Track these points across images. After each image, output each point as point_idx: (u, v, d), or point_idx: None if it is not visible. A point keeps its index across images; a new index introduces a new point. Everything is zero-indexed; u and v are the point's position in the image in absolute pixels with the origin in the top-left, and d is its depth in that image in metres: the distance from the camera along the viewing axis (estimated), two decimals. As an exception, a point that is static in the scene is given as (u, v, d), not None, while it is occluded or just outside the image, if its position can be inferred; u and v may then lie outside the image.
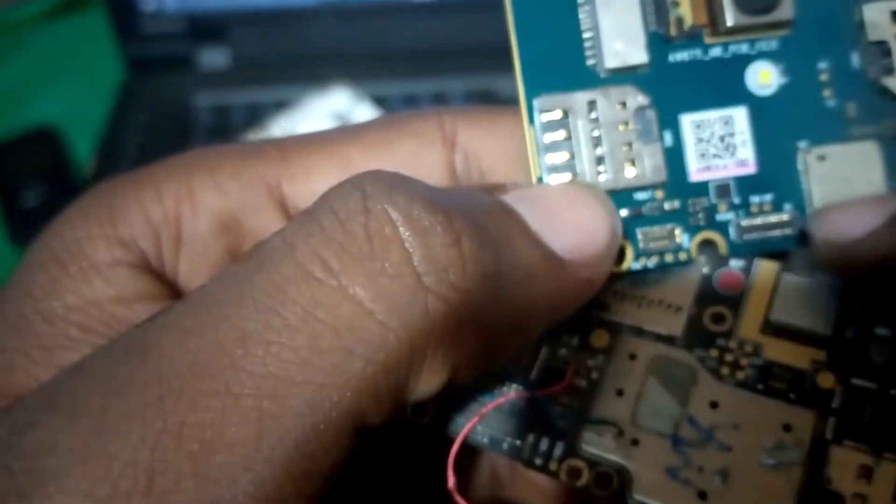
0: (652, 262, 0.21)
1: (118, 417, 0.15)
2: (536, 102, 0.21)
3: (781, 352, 0.20)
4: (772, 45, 0.21)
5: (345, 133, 0.22)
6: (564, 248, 0.19)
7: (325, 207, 0.17)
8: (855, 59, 0.21)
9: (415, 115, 0.22)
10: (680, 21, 0.21)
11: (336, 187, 0.17)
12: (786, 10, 0.21)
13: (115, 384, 0.15)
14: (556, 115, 0.21)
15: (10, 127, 0.71)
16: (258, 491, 0.15)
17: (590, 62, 0.21)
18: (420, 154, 0.22)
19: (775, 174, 0.21)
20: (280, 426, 0.15)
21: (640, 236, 0.21)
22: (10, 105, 0.73)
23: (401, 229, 0.16)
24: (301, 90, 0.66)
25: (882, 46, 0.21)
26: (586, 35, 0.21)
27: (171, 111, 0.68)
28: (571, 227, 0.19)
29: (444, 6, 0.70)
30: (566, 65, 0.21)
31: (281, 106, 0.65)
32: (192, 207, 0.20)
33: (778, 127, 0.21)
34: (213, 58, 0.71)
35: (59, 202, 0.74)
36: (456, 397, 0.21)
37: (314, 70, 0.67)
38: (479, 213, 0.18)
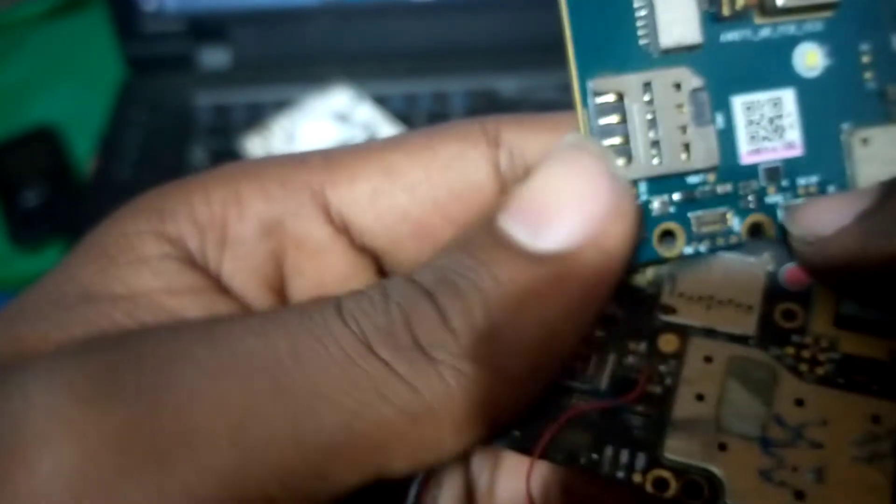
0: (704, 247, 0.21)
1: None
2: (591, 84, 0.21)
3: (858, 345, 0.20)
4: (817, 26, 0.21)
5: (388, 141, 0.22)
6: (564, 237, 0.19)
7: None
8: (894, 42, 0.21)
9: (457, 122, 0.23)
10: (732, 1, 0.21)
11: None
12: None
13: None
14: (611, 97, 0.21)
15: (10, 127, 0.71)
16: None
17: (643, 42, 0.21)
18: (464, 154, 0.22)
19: (821, 156, 0.21)
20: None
21: (692, 220, 0.21)
22: (10, 105, 0.73)
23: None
24: (301, 90, 0.66)
25: None
26: (640, 14, 0.21)
27: (171, 111, 0.68)
28: (564, 210, 0.19)
29: (444, 6, 0.70)
30: (619, 45, 0.21)
31: (281, 106, 0.65)
32: (238, 211, 0.21)
33: (823, 109, 0.21)
34: (214, 58, 0.71)
35: (59, 202, 0.73)
36: (525, 415, 0.20)
37: (314, 70, 0.67)
38: (456, 277, 0.18)
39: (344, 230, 0.22)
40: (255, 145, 0.63)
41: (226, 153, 0.64)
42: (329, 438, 0.16)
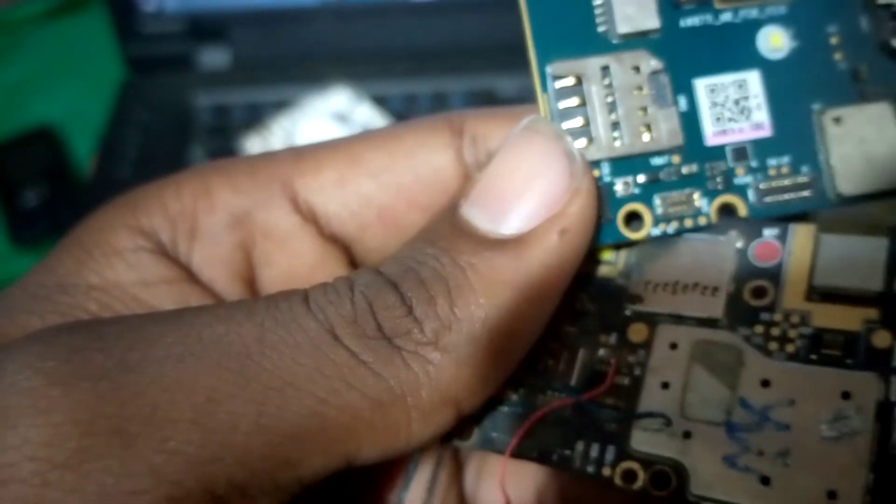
0: (671, 228, 0.21)
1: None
2: (549, 69, 0.21)
3: (830, 317, 0.19)
4: (780, 9, 0.21)
5: (354, 135, 0.23)
6: (523, 220, 0.19)
7: None
8: (863, 23, 0.21)
9: (422, 117, 0.23)
10: None
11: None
12: None
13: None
14: (570, 81, 0.21)
15: (10, 127, 0.71)
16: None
17: (601, 28, 0.21)
18: (427, 141, 0.22)
19: (791, 137, 0.21)
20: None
21: (657, 201, 0.21)
22: (10, 105, 0.73)
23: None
24: (301, 90, 0.66)
25: (890, 9, 0.21)
26: (597, 1, 0.21)
27: (171, 111, 0.68)
28: (521, 193, 0.19)
29: (444, 6, 0.70)
30: (577, 31, 0.21)
31: (281, 106, 0.65)
32: (208, 204, 0.21)
33: (792, 90, 0.21)
34: (213, 58, 0.71)
35: (59, 202, 0.73)
36: (498, 413, 0.20)
37: (314, 70, 0.67)
38: (419, 266, 0.18)
39: (312, 219, 0.22)
40: (255, 145, 0.63)
41: (225, 153, 0.64)
42: (295, 425, 0.16)
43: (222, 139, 0.65)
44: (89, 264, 0.20)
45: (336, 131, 0.63)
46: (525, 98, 0.67)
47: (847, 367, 0.18)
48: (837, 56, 0.21)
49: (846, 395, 0.18)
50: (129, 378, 0.16)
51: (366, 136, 0.23)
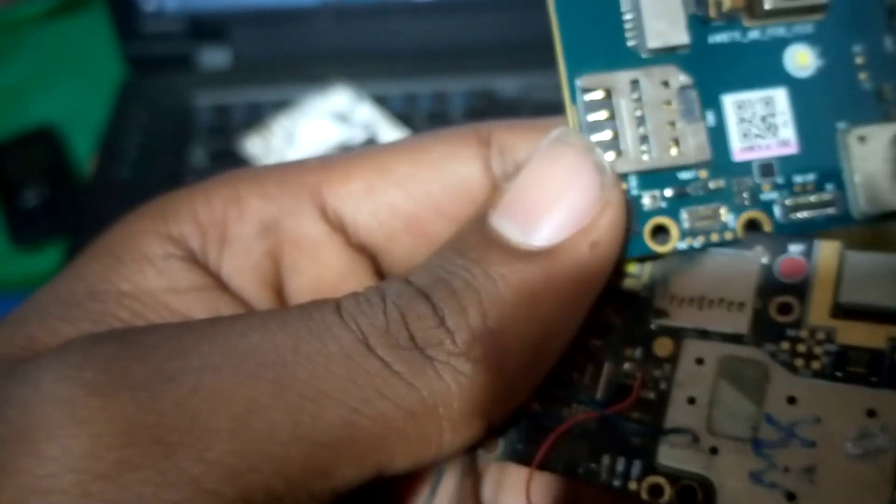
0: (698, 242, 0.21)
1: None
2: (579, 82, 0.21)
3: (856, 334, 0.19)
4: (807, 28, 0.22)
5: (382, 144, 0.24)
6: (553, 232, 0.19)
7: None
8: (888, 44, 0.22)
9: (449, 128, 0.23)
10: (719, 3, 0.21)
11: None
12: None
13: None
14: (599, 94, 0.21)
15: (10, 127, 0.71)
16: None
17: (630, 43, 0.21)
18: (455, 151, 0.22)
19: (817, 154, 0.21)
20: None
21: (684, 216, 0.21)
22: (10, 105, 0.73)
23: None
24: (301, 90, 0.66)
25: None
26: (627, 17, 0.21)
27: (171, 111, 0.68)
28: (552, 205, 0.19)
29: (444, 6, 0.70)
30: (607, 45, 0.21)
31: (281, 106, 0.65)
32: (238, 211, 0.21)
33: (818, 108, 0.21)
34: (214, 58, 0.71)
35: (59, 202, 0.73)
36: (523, 425, 0.20)
37: (314, 70, 0.67)
38: (450, 277, 0.19)
39: (340, 228, 0.22)
40: (255, 145, 0.63)
41: (226, 153, 0.64)
42: (330, 434, 0.16)
43: (222, 139, 0.65)
44: (120, 271, 0.20)
45: (336, 131, 0.63)
46: (525, 98, 0.67)
47: (872, 385, 0.18)
48: (862, 76, 0.22)
49: (871, 413, 0.18)
50: (168, 388, 0.16)
51: (393, 146, 0.23)
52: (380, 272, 0.23)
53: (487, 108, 0.66)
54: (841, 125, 0.21)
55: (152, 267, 0.20)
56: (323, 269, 0.22)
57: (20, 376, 0.17)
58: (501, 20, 0.70)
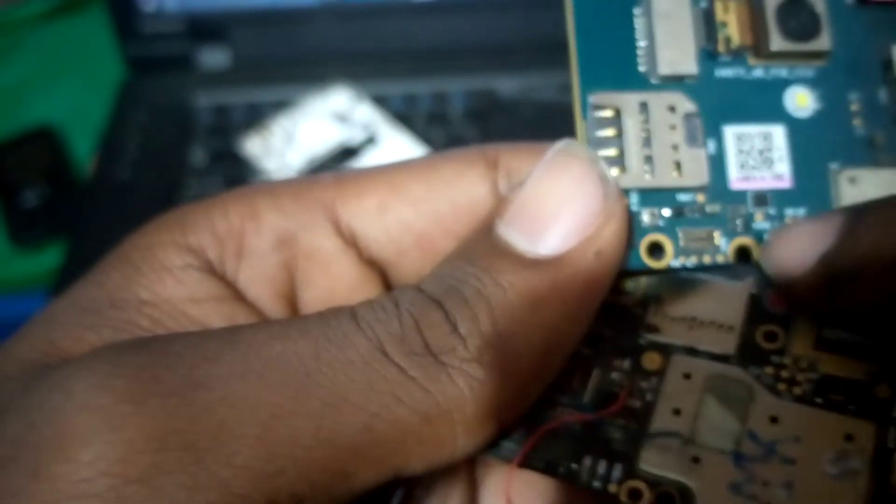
0: (690, 262, 0.22)
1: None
2: (591, 98, 0.22)
3: (837, 366, 0.20)
4: (808, 72, 0.23)
5: (394, 162, 0.24)
6: (560, 241, 0.19)
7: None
8: (882, 95, 0.23)
9: (459, 148, 0.24)
10: (728, 40, 0.23)
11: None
12: (824, 41, 0.22)
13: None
14: (609, 112, 0.22)
15: (10, 127, 0.71)
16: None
17: (642, 68, 0.22)
18: (464, 172, 0.23)
19: (809, 190, 0.22)
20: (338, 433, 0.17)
21: (680, 235, 0.22)
22: (10, 105, 0.73)
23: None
24: (301, 90, 0.66)
25: None
26: (641, 43, 0.22)
27: (171, 111, 0.68)
28: (558, 214, 0.20)
29: (444, 6, 0.70)
30: (621, 67, 0.22)
31: (281, 106, 0.65)
32: (255, 224, 0.22)
33: (813, 147, 0.22)
34: (213, 58, 0.71)
35: (59, 202, 0.74)
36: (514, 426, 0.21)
37: (314, 70, 0.67)
38: (461, 285, 0.19)
39: (352, 243, 0.23)
40: (255, 145, 0.63)
41: (226, 153, 0.65)
42: (351, 439, 0.17)
43: (222, 139, 0.66)
44: (139, 280, 0.20)
45: (336, 131, 0.63)
46: (525, 98, 0.67)
47: (850, 412, 0.19)
48: (857, 122, 0.23)
49: (849, 438, 0.19)
50: (197, 395, 0.17)
51: (405, 165, 0.23)
52: (389, 286, 0.24)
53: (487, 108, 0.66)
54: (833, 166, 0.22)
55: (171, 277, 0.21)
56: (336, 282, 0.23)
57: (49, 382, 0.17)
58: (501, 20, 0.70)
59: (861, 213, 0.19)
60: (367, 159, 0.62)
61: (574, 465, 0.20)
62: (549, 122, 0.63)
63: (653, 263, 0.22)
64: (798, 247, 0.20)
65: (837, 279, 0.19)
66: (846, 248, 0.19)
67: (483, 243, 0.20)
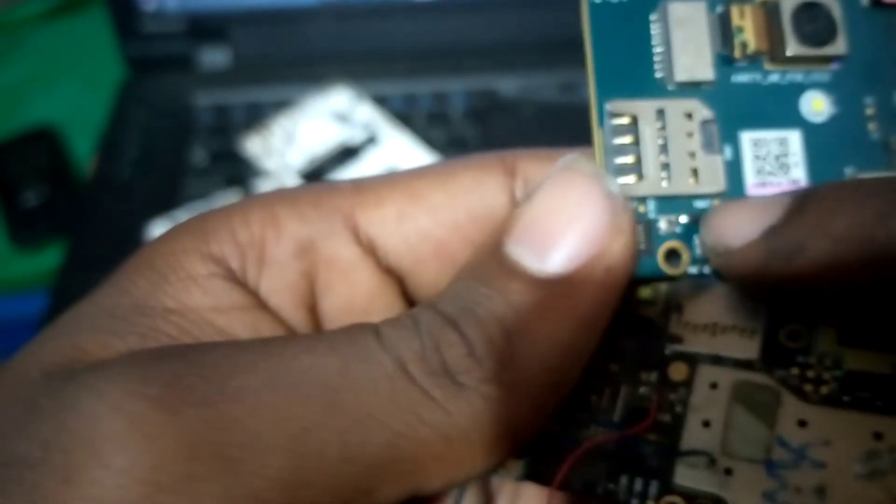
0: (707, 269, 0.22)
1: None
2: (608, 106, 0.22)
3: (862, 360, 0.20)
4: (824, 77, 0.23)
5: (412, 170, 0.24)
6: (569, 258, 0.19)
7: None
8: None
9: (477, 155, 0.24)
10: (744, 45, 0.22)
11: None
12: (840, 46, 0.22)
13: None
14: (625, 120, 0.22)
15: (10, 127, 0.71)
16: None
17: (658, 74, 0.22)
18: (482, 181, 0.23)
19: None
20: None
21: (697, 242, 0.22)
22: (10, 105, 0.73)
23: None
24: (301, 90, 0.66)
25: None
26: (657, 49, 0.22)
27: (171, 111, 0.68)
28: (565, 232, 0.20)
29: (444, 6, 0.70)
30: (637, 74, 0.22)
31: (281, 106, 0.65)
32: (275, 233, 0.22)
33: (828, 152, 0.22)
34: (214, 58, 0.71)
35: (59, 202, 0.74)
36: (543, 447, 0.21)
37: (314, 70, 0.67)
38: (475, 306, 0.19)
39: (371, 251, 0.23)
40: (256, 145, 0.63)
41: (226, 153, 0.65)
42: (375, 456, 0.17)
43: (222, 139, 0.66)
44: (165, 288, 0.20)
45: (336, 131, 0.63)
46: (525, 98, 0.67)
47: (878, 409, 0.19)
48: (871, 126, 0.23)
49: (878, 436, 0.19)
50: (230, 406, 0.17)
51: (423, 173, 0.23)
52: (406, 294, 0.24)
53: (488, 108, 0.66)
54: (848, 170, 0.22)
55: (196, 285, 0.21)
56: (354, 290, 0.23)
57: (78, 385, 0.17)
58: (501, 20, 0.70)
59: (810, 193, 0.19)
60: (367, 159, 0.62)
61: (611, 485, 0.20)
62: (550, 122, 0.63)
63: (670, 271, 0.22)
64: (743, 219, 0.20)
65: (780, 252, 0.19)
66: (792, 221, 0.19)
67: (493, 262, 0.20)
